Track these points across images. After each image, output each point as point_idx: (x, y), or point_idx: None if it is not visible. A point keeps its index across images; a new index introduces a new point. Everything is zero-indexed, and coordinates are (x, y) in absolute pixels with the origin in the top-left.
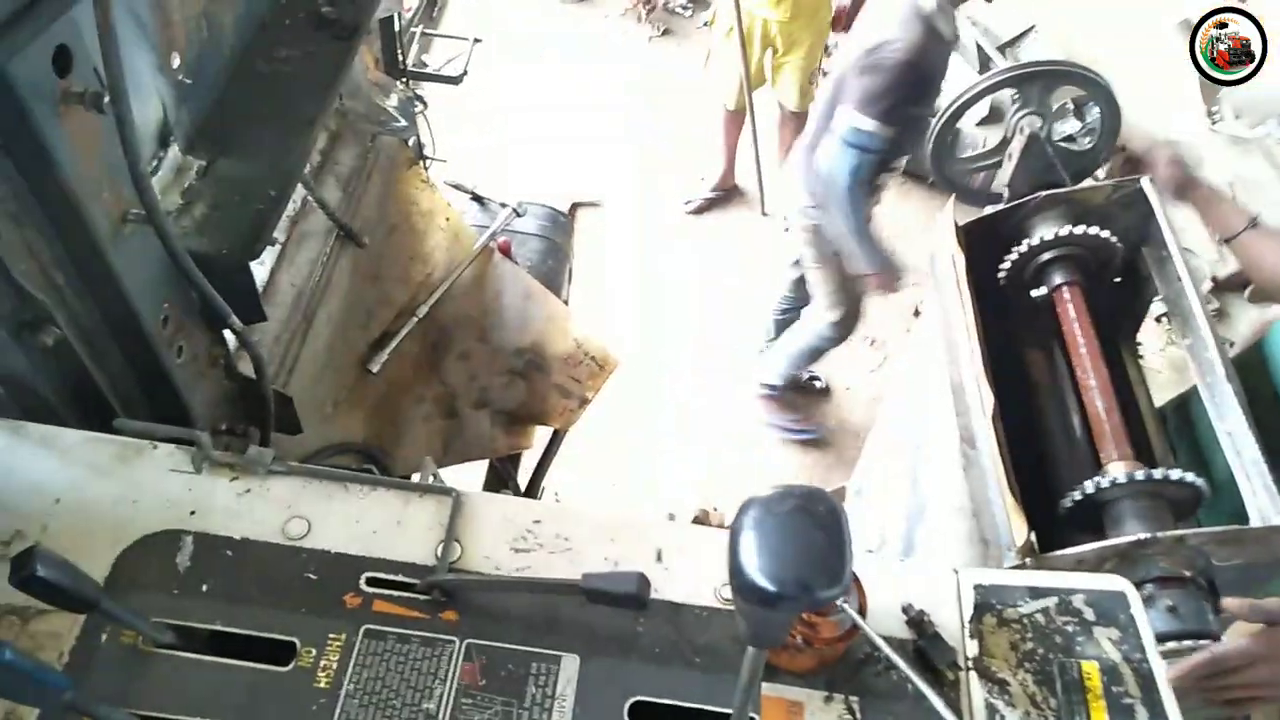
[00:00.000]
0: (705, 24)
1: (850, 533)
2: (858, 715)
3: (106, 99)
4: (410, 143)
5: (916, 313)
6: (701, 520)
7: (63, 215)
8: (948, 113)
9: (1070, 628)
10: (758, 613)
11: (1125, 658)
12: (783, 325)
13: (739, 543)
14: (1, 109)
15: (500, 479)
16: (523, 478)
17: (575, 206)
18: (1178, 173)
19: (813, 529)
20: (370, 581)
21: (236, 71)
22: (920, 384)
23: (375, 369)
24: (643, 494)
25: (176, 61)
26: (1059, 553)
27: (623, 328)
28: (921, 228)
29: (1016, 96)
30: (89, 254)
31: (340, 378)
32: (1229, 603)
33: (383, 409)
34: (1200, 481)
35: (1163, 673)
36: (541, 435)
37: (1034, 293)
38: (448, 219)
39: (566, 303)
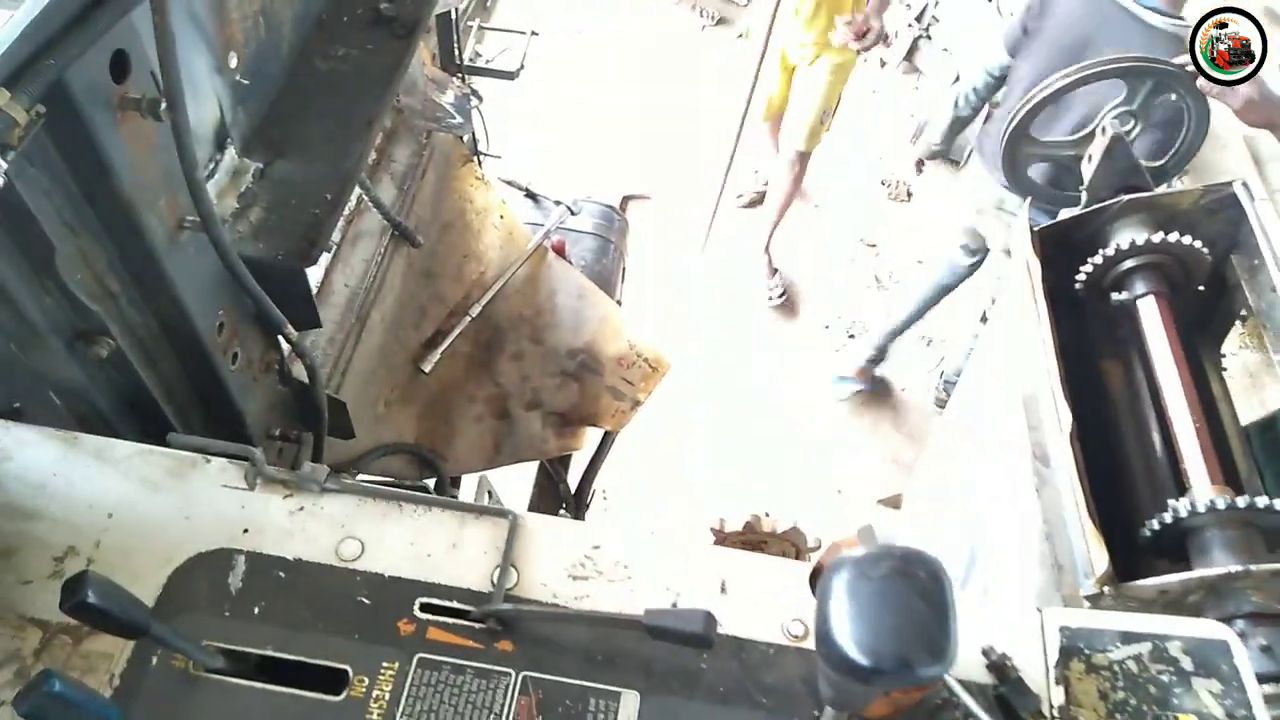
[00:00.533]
0: (740, 35)
1: (955, 600)
2: None
3: (163, 105)
4: (465, 139)
5: (984, 318)
6: (753, 526)
7: (118, 223)
8: (1030, 102)
9: (1166, 677)
10: (847, 683)
11: (1228, 714)
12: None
13: (829, 609)
14: (59, 117)
15: (551, 480)
16: (572, 478)
17: (626, 200)
18: (1255, 91)
19: (913, 596)
20: (424, 608)
21: (294, 71)
22: (988, 392)
23: (428, 368)
24: (691, 495)
25: (234, 61)
26: (1141, 583)
27: (673, 320)
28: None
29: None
30: (144, 262)
31: (393, 376)
32: None
33: (435, 408)
34: None
35: None
36: (592, 436)
37: (1115, 296)
38: (502, 217)
39: (620, 302)
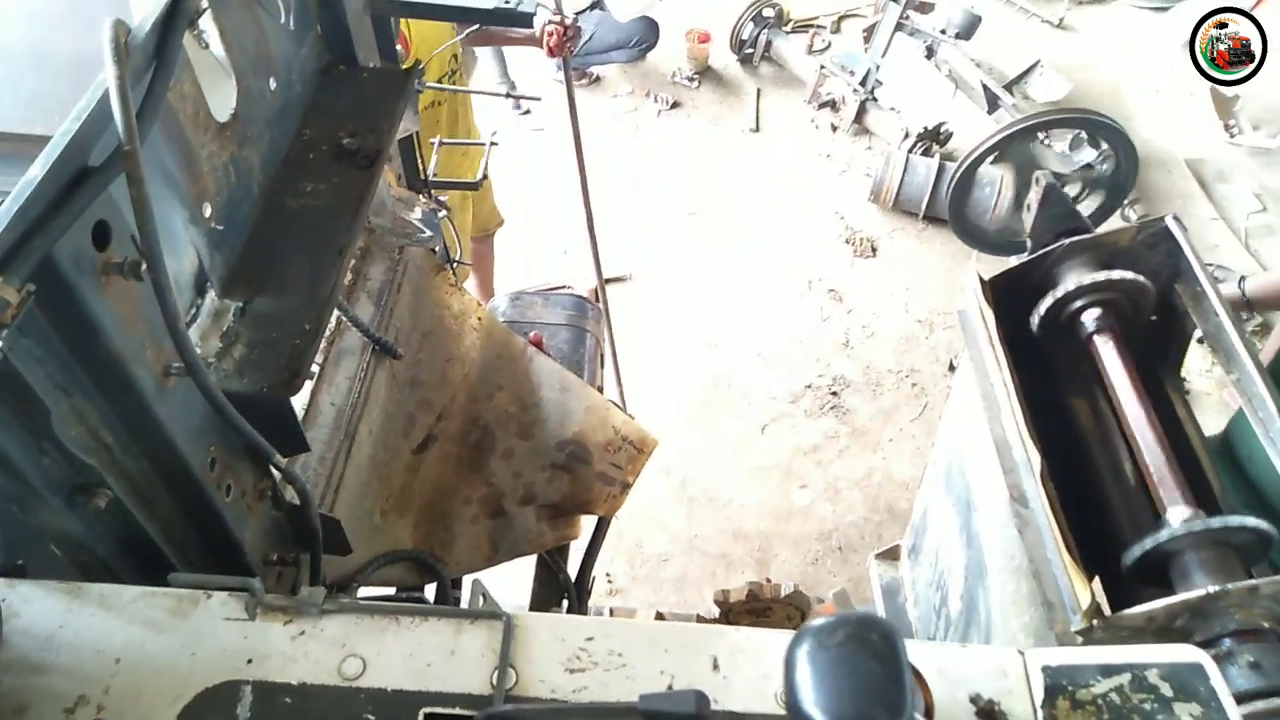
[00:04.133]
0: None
1: (907, 657)
2: None
3: (144, 266)
4: (436, 250)
5: (951, 367)
6: (755, 594)
7: (109, 379)
8: (965, 163)
9: (1148, 705)
10: None
11: None
12: None
13: (795, 680)
14: (48, 290)
15: (550, 570)
16: (572, 567)
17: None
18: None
19: (868, 660)
20: (429, 717)
21: (266, 211)
22: (963, 440)
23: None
24: (693, 566)
25: (208, 211)
26: (1128, 612)
27: (663, 398)
28: (944, 271)
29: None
30: (136, 412)
31: (386, 486)
32: None
33: (430, 514)
34: (1270, 527)
35: None
36: (587, 523)
37: (1070, 336)
38: (479, 318)
39: (600, 389)
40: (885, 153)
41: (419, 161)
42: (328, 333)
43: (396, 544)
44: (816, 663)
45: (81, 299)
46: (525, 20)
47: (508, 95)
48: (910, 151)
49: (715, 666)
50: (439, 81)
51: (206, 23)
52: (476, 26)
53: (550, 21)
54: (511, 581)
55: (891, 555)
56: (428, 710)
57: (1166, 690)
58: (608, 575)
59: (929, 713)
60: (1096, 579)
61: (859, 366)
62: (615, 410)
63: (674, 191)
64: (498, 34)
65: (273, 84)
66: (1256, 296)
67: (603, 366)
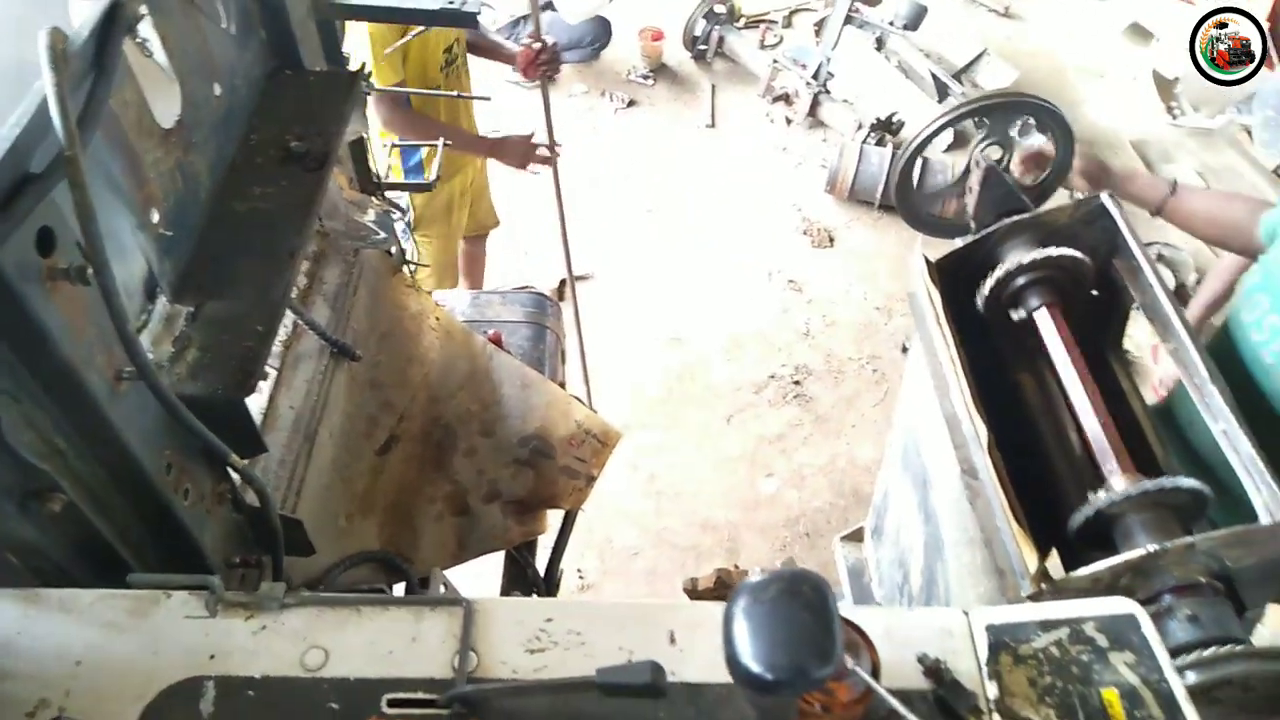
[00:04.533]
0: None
1: (836, 608)
2: None
3: (90, 270)
4: (392, 251)
5: (904, 349)
6: (724, 580)
7: (60, 385)
8: (909, 149)
9: (1086, 656)
10: (760, 699)
11: (1144, 680)
12: None
13: (732, 633)
14: None
15: (519, 566)
16: (541, 563)
17: (564, 281)
18: (1092, 165)
19: (800, 611)
20: (392, 703)
21: (214, 215)
22: (917, 419)
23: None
24: (663, 559)
25: (156, 217)
26: (1073, 574)
27: (627, 393)
28: (901, 258)
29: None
30: (88, 417)
31: (350, 489)
32: None
33: (396, 514)
34: (1202, 486)
35: (1182, 690)
36: (554, 518)
37: (1013, 314)
38: (438, 318)
39: (562, 384)
40: (839, 144)
41: (370, 165)
42: (284, 337)
43: (362, 545)
44: (752, 617)
45: (28, 305)
46: (470, 20)
47: (458, 95)
48: (864, 142)
49: (672, 640)
50: (444, 59)
51: (149, 30)
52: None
53: (527, 43)
54: (481, 579)
55: (856, 537)
56: (390, 696)
57: (1102, 641)
58: (579, 571)
59: (875, 672)
60: (1055, 552)
61: (820, 355)
62: (577, 404)
63: (632, 189)
64: (481, 47)
65: (217, 89)
66: (1178, 209)
67: (564, 362)
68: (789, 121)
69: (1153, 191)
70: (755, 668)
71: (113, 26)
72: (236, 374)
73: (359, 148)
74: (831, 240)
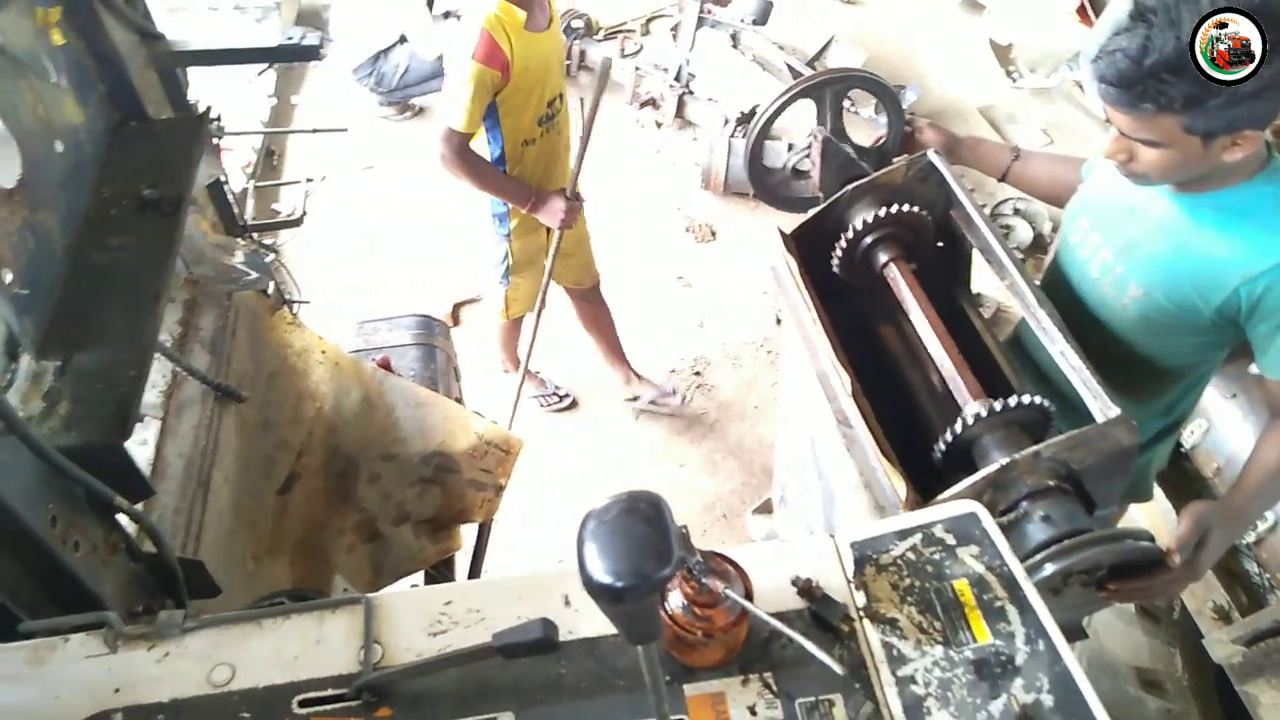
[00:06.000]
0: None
1: (671, 517)
2: (774, 687)
3: None
4: (270, 290)
5: (778, 320)
6: None
7: None
8: (753, 135)
9: (938, 556)
10: (618, 610)
11: (988, 567)
12: None
13: (582, 554)
14: None
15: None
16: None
17: (458, 305)
18: (942, 137)
19: (639, 524)
20: (303, 703)
21: (73, 268)
22: (797, 383)
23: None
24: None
25: (9, 278)
26: (939, 497)
27: (536, 405)
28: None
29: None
30: None
31: (255, 531)
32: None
33: (306, 550)
34: (1043, 400)
35: (1020, 571)
36: (469, 533)
37: (868, 274)
38: (324, 351)
39: (459, 399)
40: (709, 141)
41: (232, 207)
42: (165, 386)
43: (274, 585)
44: (597, 536)
45: None
46: (312, 54)
47: (314, 131)
48: (731, 136)
49: (567, 603)
50: (546, 113)
51: None
52: None
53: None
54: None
55: (766, 509)
56: (300, 697)
57: (950, 540)
58: None
59: (749, 596)
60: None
61: (716, 344)
62: (476, 417)
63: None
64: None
65: (59, 146)
66: (1022, 174)
67: (458, 379)
68: (659, 125)
69: (997, 159)
70: (604, 579)
71: None
72: (112, 419)
73: (218, 191)
74: (714, 234)
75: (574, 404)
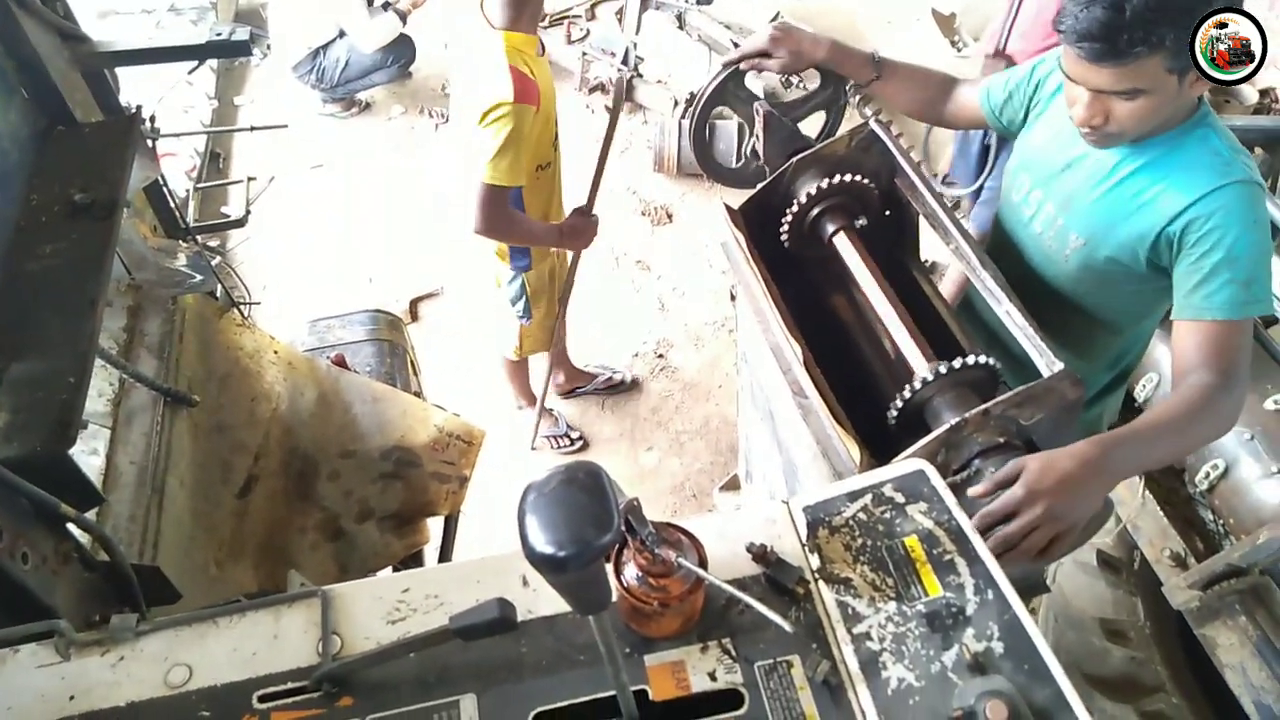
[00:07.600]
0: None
1: (611, 484)
2: (733, 652)
3: None
4: (219, 292)
5: (732, 296)
6: None
7: None
8: (695, 114)
9: (888, 514)
10: (563, 580)
11: (936, 522)
12: None
13: (524, 527)
14: None
15: None
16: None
17: (416, 301)
18: (790, 42)
19: (578, 494)
20: (262, 698)
21: (4, 279)
22: (753, 358)
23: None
24: None
25: None
26: (894, 460)
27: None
28: None
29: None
30: None
31: (215, 535)
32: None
33: (269, 552)
34: (989, 359)
35: (969, 524)
36: (435, 526)
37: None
38: (276, 351)
39: (419, 394)
40: (659, 124)
41: (173, 210)
42: (113, 394)
43: (238, 590)
44: (537, 508)
45: None
46: (243, 50)
47: (252, 129)
48: (681, 118)
49: (525, 583)
50: (555, 132)
51: None
52: None
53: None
54: None
55: (732, 485)
56: (260, 692)
57: (900, 499)
58: None
59: (703, 564)
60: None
61: (678, 326)
62: (435, 409)
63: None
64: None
65: None
66: (885, 87)
67: (416, 374)
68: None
69: (864, 69)
70: (546, 550)
71: None
72: (54, 428)
73: (158, 193)
74: (670, 216)
75: (585, 445)
